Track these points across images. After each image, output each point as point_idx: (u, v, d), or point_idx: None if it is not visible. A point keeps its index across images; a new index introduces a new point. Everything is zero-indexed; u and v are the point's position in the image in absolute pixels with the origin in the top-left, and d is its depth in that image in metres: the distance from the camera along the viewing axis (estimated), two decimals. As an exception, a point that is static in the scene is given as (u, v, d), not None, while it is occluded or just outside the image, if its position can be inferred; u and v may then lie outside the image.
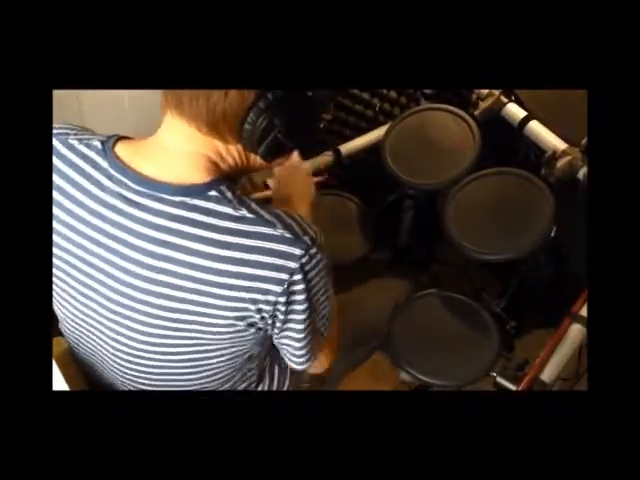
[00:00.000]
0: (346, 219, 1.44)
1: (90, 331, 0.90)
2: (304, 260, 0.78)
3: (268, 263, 0.78)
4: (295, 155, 1.12)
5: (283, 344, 0.90)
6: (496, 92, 1.43)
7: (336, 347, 1.01)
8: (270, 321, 0.83)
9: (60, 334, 0.99)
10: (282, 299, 0.80)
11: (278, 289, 0.79)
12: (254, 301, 0.80)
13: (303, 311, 0.83)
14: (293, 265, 0.78)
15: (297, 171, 1.13)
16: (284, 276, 0.78)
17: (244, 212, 0.78)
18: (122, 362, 0.91)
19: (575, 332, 1.15)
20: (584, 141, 1.27)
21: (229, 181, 0.81)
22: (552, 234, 1.19)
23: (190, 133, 0.78)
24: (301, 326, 0.85)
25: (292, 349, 0.90)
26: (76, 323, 0.91)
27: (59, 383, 0.90)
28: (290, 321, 0.84)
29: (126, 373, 0.93)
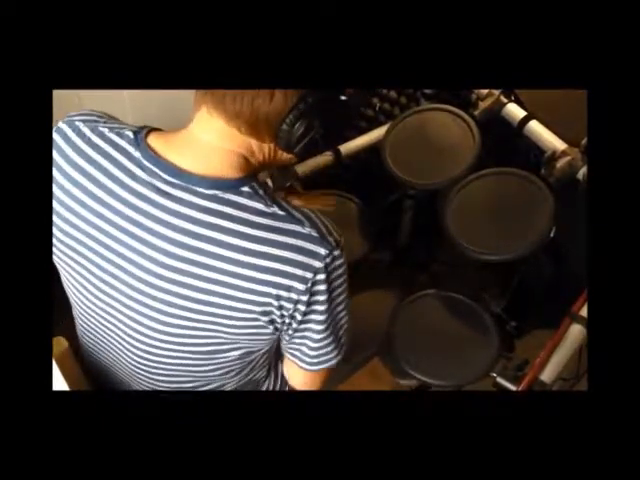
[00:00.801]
0: (346, 219, 1.44)
1: (106, 319, 0.91)
2: (328, 260, 0.80)
3: (295, 260, 0.79)
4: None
5: (297, 345, 0.91)
6: (496, 92, 1.43)
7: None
8: (288, 320, 0.84)
9: (60, 334, 1.00)
10: (304, 298, 0.81)
11: (301, 287, 0.80)
12: (278, 297, 0.81)
13: (323, 312, 0.85)
14: (318, 264, 0.80)
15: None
16: (308, 275, 0.80)
17: (275, 209, 0.80)
18: (137, 351, 0.91)
19: (575, 332, 1.15)
20: (584, 141, 1.27)
21: (255, 175, 0.83)
22: (552, 234, 1.19)
23: (226, 131, 0.79)
24: (319, 327, 0.87)
25: (307, 349, 0.91)
26: (92, 310, 0.92)
27: (59, 383, 0.90)
28: (309, 321, 0.85)
29: (139, 362, 0.93)
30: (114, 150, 0.81)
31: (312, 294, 0.82)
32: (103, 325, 0.93)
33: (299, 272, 0.79)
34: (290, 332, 0.87)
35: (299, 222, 0.80)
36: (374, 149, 1.49)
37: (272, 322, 0.84)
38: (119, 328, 0.90)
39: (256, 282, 0.80)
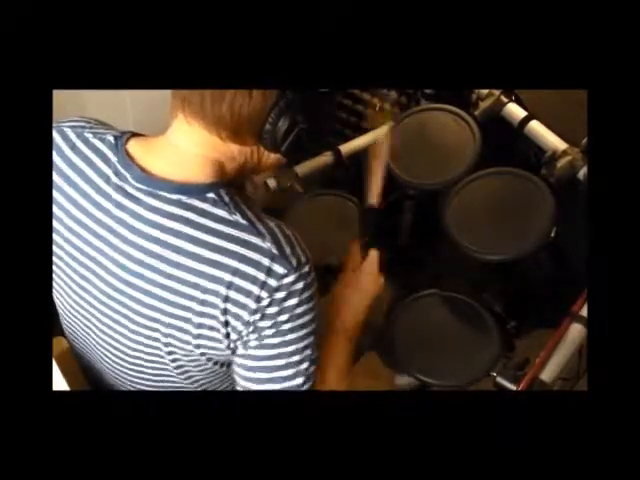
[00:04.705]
0: (346, 219, 1.44)
1: (85, 324, 0.91)
2: (285, 281, 0.77)
3: (250, 275, 0.76)
4: (373, 257, 1.03)
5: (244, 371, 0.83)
6: (496, 92, 1.43)
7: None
8: (239, 344, 0.80)
9: (60, 334, 1.00)
10: (256, 317, 0.77)
11: (254, 305, 0.77)
12: (225, 311, 0.78)
13: (273, 335, 0.79)
14: (274, 284, 0.76)
15: (368, 277, 1.02)
16: (263, 294, 0.77)
17: (237, 217, 0.78)
18: (114, 357, 0.91)
19: (575, 332, 1.15)
20: (584, 141, 1.27)
21: (235, 183, 0.81)
22: (552, 234, 1.19)
23: (206, 139, 0.77)
24: (270, 352, 0.80)
25: (245, 372, 0.83)
26: (73, 315, 0.92)
27: (59, 383, 0.90)
28: (260, 346, 0.80)
29: (117, 369, 0.93)
30: (94, 155, 0.81)
31: (263, 315, 0.77)
32: (83, 329, 0.92)
33: (254, 289, 0.76)
34: (239, 352, 0.81)
35: (259, 235, 0.77)
36: (374, 149, 1.49)
37: (226, 336, 0.79)
38: (95, 334, 0.90)
39: (207, 292, 0.77)
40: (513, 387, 1.11)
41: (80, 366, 1.02)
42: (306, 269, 0.79)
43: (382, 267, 1.04)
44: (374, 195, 1.09)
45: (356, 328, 0.99)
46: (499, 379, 1.13)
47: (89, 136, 0.83)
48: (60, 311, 0.95)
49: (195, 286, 0.78)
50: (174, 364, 0.87)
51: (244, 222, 0.78)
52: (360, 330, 1.00)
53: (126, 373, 0.92)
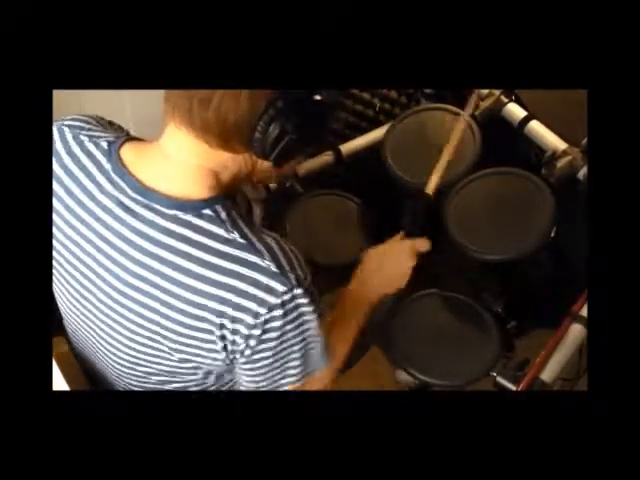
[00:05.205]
0: (346, 219, 1.44)
1: (85, 327, 0.91)
2: (286, 297, 0.77)
3: (248, 293, 0.76)
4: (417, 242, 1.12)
5: (245, 375, 0.87)
6: (496, 92, 1.43)
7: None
8: (238, 355, 0.81)
9: (60, 334, 1.00)
10: (255, 332, 0.78)
11: (252, 321, 0.77)
12: (221, 326, 0.78)
13: (272, 348, 0.81)
14: (273, 300, 0.76)
15: (403, 251, 1.11)
16: (262, 310, 0.76)
17: (235, 235, 0.77)
18: (111, 362, 0.92)
19: (575, 332, 1.15)
20: (584, 141, 1.27)
21: (228, 196, 0.81)
22: (552, 234, 1.19)
23: (196, 147, 0.76)
24: (265, 364, 0.83)
25: (250, 381, 0.87)
26: (74, 319, 0.93)
27: (59, 383, 0.90)
28: (257, 359, 0.82)
29: (118, 371, 0.93)
30: (88, 160, 0.81)
31: (264, 331, 0.78)
32: (83, 332, 0.93)
33: (252, 306, 0.76)
34: (240, 364, 0.84)
35: (258, 253, 0.77)
36: (374, 149, 1.49)
37: (223, 348, 0.81)
38: (95, 337, 0.91)
39: (202, 309, 0.77)
40: (513, 387, 1.11)
41: (80, 366, 1.02)
42: (305, 285, 0.79)
43: (420, 257, 1.11)
44: (432, 185, 1.13)
45: (375, 296, 1.04)
46: (499, 379, 1.13)
47: (84, 139, 0.82)
48: (62, 313, 0.96)
49: (190, 302, 0.78)
50: (168, 370, 0.88)
51: (242, 241, 0.77)
52: (376, 304, 1.05)
53: (124, 374, 0.93)
